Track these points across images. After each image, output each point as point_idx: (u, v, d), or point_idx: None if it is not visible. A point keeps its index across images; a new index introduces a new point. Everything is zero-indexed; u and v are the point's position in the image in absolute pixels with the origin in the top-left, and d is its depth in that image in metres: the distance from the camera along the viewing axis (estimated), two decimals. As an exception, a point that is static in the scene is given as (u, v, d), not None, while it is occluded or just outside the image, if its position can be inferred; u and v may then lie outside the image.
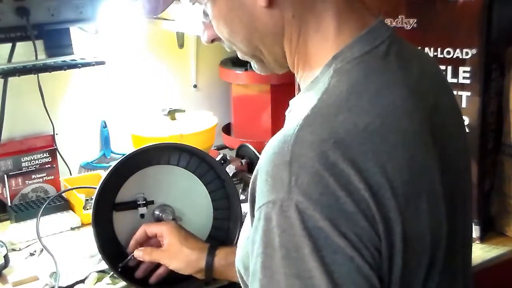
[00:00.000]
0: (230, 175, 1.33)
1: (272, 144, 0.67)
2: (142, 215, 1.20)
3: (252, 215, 0.68)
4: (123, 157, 1.18)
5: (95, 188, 1.16)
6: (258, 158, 0.77)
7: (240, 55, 0.82)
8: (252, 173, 0.70)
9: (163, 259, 1.14)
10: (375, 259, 0.64)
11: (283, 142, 0.65)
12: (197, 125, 1.72)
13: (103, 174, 1.21)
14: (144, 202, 1.20)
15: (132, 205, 1.20)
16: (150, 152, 1.20)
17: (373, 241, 0.64)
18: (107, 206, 1.17)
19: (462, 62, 1.25)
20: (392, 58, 0.73)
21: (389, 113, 0.68)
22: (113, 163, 1.21)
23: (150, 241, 1.18)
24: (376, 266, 0.65)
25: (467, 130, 1.26)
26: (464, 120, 0.91)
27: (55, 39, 1.64)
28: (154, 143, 1.22)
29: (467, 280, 0.85)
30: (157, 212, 1.21)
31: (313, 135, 0.65)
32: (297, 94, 0.78)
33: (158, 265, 1.17)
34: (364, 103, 0.68)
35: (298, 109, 0.70)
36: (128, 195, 1.19)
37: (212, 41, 0.83)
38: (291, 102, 0.77)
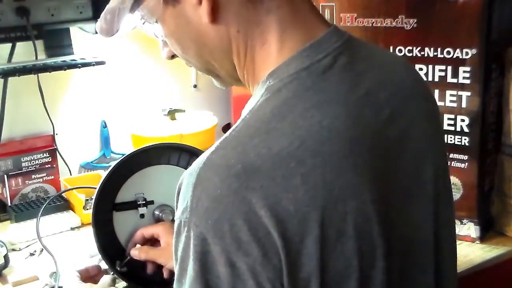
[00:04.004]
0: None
1: (194, 163, 0.67)
2: (142, 215, 1.20)
3: None
4: (123, 157, 1.18)
5: (95, 188, 1.16)
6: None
7: (199, 72, 0.82)
8: None
9: (159, 258, 1.14)
10: None
11: (197, 163, 0.66)
12: (197, 125, 1.72)
13: (103, 174, 1.21)
14: (144, 202, 1.20)
15: (132, 205, 1.19)
16: (150, 152, 1.20)
17: (267, 272, 0.63)
18: (107, 206, 1.17)
19: (462, 62, 1.25)
20: (335, 72, 0.70)
21: (312, 134, 0.65)
22: (113, 163, 1.21)
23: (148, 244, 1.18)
24: None
25: (466, 130, 1.28)
26: (441, 125, 0.89)
27: (55, 39, 1.64)
28: (154, 143, 1.22)
29: None
30: (157, 212, 1.21)
31: (222, 159, 0.64)
32: None
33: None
34: (285, 125, 0.65)
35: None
36: (128, 195, 1.19)
37: (172, 57, 0.82)
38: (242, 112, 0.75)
